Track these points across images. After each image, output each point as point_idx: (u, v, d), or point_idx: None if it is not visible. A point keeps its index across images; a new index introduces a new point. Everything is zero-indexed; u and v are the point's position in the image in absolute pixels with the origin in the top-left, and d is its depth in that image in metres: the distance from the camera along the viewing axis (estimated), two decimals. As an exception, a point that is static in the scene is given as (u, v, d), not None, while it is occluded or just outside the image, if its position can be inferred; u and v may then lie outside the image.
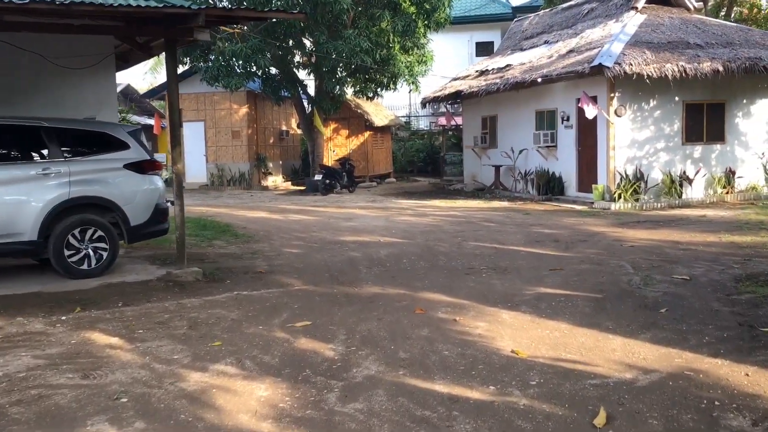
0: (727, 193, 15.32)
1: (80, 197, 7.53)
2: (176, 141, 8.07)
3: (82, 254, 7.54)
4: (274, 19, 17.76)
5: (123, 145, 7.99)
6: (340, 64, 19.48)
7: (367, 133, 24.01)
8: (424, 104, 22.97)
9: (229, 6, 17.83)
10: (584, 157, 15.90)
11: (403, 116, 30.85)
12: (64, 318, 6.06)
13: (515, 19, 23.62)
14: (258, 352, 5.04)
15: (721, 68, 14.34)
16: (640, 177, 14.81)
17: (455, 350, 5.00)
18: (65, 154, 7.73)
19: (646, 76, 14.01)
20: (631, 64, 13.97)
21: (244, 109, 22.95)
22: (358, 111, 23.55)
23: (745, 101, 15.81)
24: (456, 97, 20.40)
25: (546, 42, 19.14)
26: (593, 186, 15.06)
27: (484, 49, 30.02)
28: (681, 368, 4.52)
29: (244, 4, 17.70)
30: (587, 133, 15.65)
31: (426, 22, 19.83)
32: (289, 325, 5.76)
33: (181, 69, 20.76)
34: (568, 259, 8.56)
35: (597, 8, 18.28)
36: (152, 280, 7.60)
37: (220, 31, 16.72)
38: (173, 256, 8.39)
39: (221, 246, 10.13)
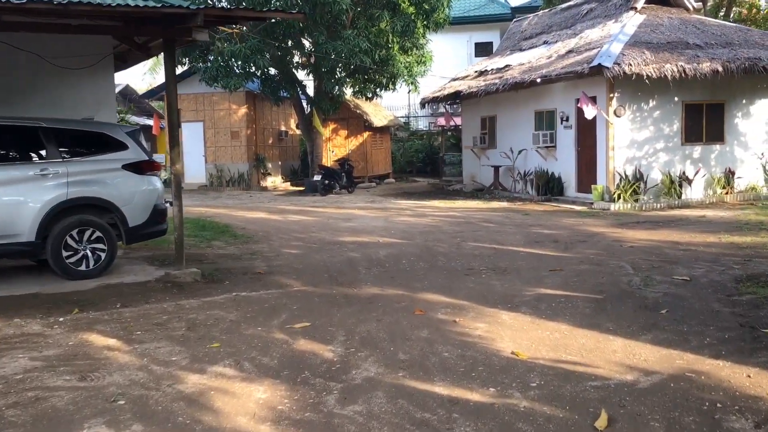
0: (727, 193, 15.31)
1: (78, 198, 7.49)
2: (175, 141, 8.05)
3: (80, 255, 7.50)
4: (273, 20, 17.75)
5: (121, 146, 7.96)
6: (339, 65, 19.47)
7: (366, 134, 23.98)
8: (423, 105, 22.94)
9: (228, 6, 17.79)
10: (583, 157, 15.89)
11: (402, 117, 30.84)
12: (61, 319, 6.03)
13: (514, 20, 23.61)
14: (257, 354, 5.01)
15: (720, 68, 14.33)
16: (639, 177, 14.79)
17: (455, 352, 4.97)
18: (63, 155, 7.70)
19: (645, 77, 14.00)
20: (631, 65, 13.95)
21: (243, 110, 22.93)
22: (357, 111, 23.53)
23: (744, 101, 15.79)
24: (455, 97, 20.39)
25: (545, 42, 19.13)
26: (592, 186, 15.04)
27: (483, 49, 30.01)
28: (682, 370, 4.50)
29: (243, 4, 17.69)
30: (586, 133, 15.63)
31: (425, 22, 19.82)
32: (288, 327, 5.73)
33: (180, 69, 20.77)
34: (567, 260, 8.53)
35: (596, 8, 18.28)
36: (151, 281, 7.56)
37: (219, 31, 16.68)
38: (172, 257, 8.37)
39: (220, 247, 10.10)
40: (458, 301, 6.51)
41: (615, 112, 14.76)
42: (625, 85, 14.60)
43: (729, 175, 15.50)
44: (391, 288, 7.15)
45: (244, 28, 17.39)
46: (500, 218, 13.24)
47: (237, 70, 19.37)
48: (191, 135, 23.09)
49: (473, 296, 6.68)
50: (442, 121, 23.94)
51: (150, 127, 22.22)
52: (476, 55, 29.91)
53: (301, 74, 22.10)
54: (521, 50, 20.00)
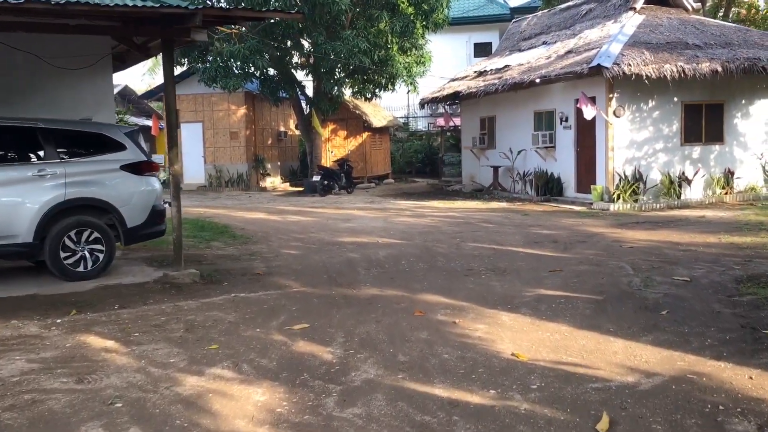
0: (726, 193, 15.29)
1: (76, 199, 7.46)
2: (173, 142, 8.02)
3: (78, 256, 7.47)
4: (271, 20, 17.75)
5: (120, 147, 7.93)
6: (339, 65, 19.44)
7: (365, 134, 23.96)
8: (422, 105, 22.93)
9: (227, 6, 17.76)
10: (583, 157, 15.87)
11: (402, 117, 30.83)
12: (59, 321, 5.99)
13: (513, 20, 23.60)
14: (255, 356, 4.98)
15: (719, 69, 14.31)
16: (638, 178, 14.78)
17: (455, 353, 4.94)
18: (61, 156, 7.65)
19: (644, 77, 13.98)
20: (630, 65, 13.94)
21: (242, 110, 22.90)
22: (357, 112, 23.51)
23: (743, 102, 15.78)
24: (454, 97, 20.38)
25: (544, 43, 19.11)
26: (592, 187, 15.02)
27: (482, 50, 30.02)
28: (683, 371, 4.47)
29: (242, 4, 17.66)
30: (586, 133, 15.61)
31: (424, 22, 19.81)
32: (287, 328, 5.70)
33: (178, 70, 20.76)
34: (567, 261, 8.51)
35: (595, 9, 18.27)
36: (149, 282, 7.53)
37: (218, 31, 16.66)
38: (170, 258, 8.33)
39: (219, 247, 10.07)
40: (458, 302, 6.48)
41: (614, 113, 14.74)
42: (625, 85, 14.59)
43: (728, 175, 15.49)
44: (390, 289, 7.12)
45: (243, 28, 17.38)
46: (499, 219, 13.21)
47: (236, 71, 19.35)
48: (190, 135, 23.06)
49: (473, 297, 6.65)
50: (441, 121, 23.92)
51: (149, 127, 22.16)
52: (475, 56, 29.91)
53: (300, 75, 22.08)
54: (520, 51, 19.99)
